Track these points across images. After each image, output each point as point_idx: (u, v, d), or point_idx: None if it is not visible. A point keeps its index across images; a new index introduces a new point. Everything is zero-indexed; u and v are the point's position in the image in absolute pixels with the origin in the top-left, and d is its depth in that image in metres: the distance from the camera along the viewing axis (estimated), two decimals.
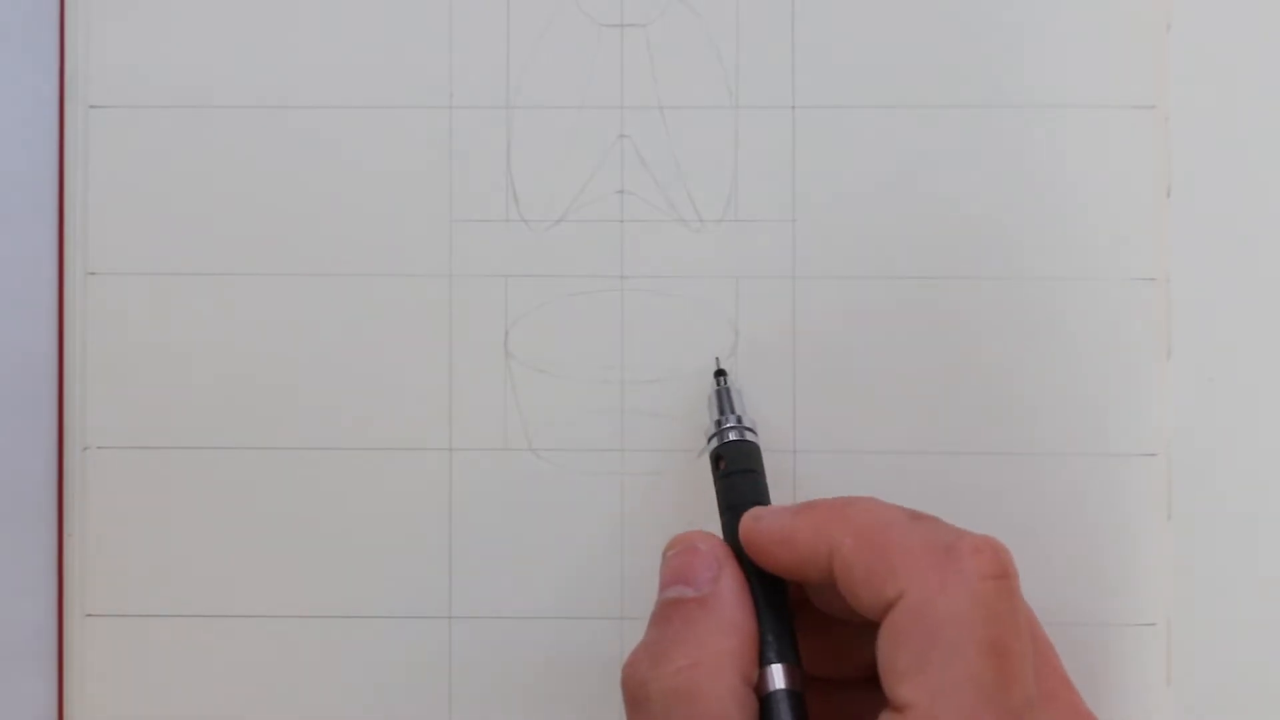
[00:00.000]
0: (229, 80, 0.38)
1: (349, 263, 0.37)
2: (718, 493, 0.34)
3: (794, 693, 0.29)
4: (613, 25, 0.38)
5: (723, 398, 0.35)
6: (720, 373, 0.36)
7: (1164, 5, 0.37)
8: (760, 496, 0.33)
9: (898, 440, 0.37)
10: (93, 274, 0.38)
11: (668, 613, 0.30)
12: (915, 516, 0.30)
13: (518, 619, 0.37)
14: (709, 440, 0.35)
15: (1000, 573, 0.28)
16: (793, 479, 0.37)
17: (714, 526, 0.36)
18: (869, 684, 0.29)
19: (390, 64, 0.38)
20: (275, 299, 0.37)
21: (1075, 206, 0.37)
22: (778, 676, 0.29)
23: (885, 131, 0.37)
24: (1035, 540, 0.37)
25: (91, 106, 0.38)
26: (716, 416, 0.35)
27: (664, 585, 0.31)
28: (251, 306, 0.37)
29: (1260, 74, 0.37)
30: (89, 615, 0.37)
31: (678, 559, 0.31)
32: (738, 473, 0.33)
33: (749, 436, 0.34)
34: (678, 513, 0.37)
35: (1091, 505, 0.37)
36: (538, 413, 0.37)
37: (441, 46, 0.38)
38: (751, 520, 0.31)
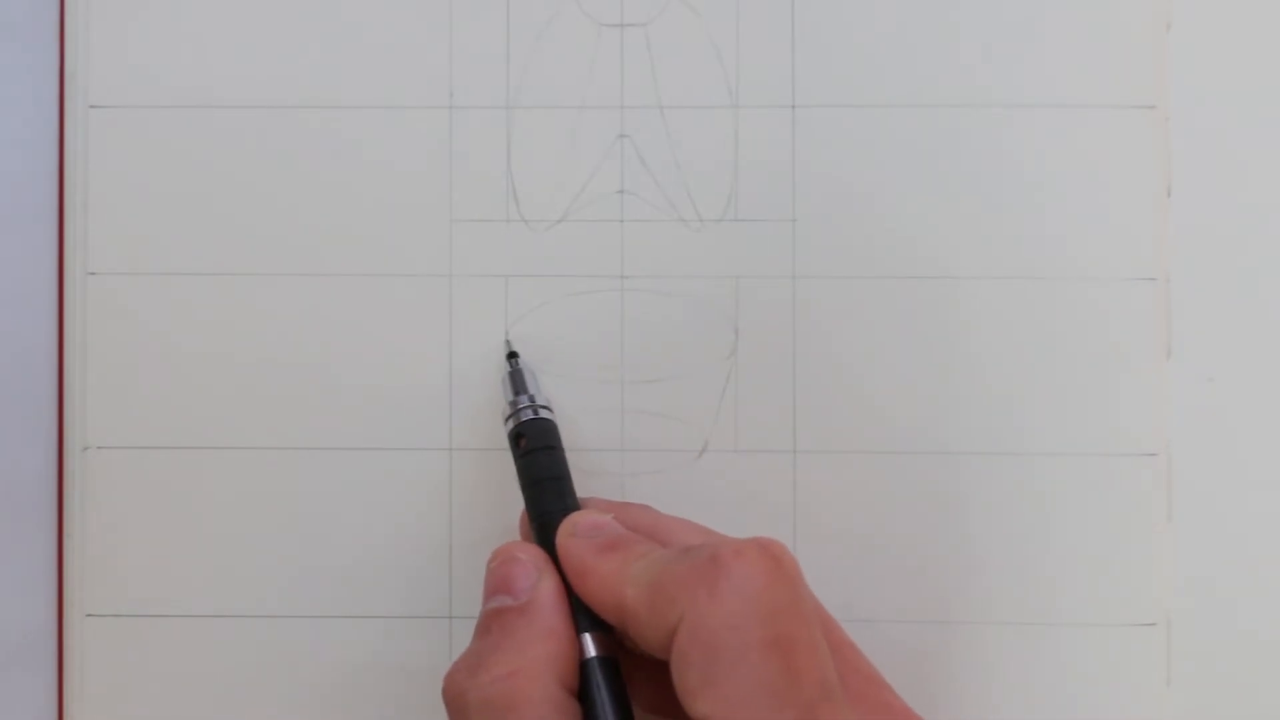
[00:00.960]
0: (230, 80, 0.38)
1: (349, 263, 0.37)
2: (519, 470, 0.34)
3: (605, 659, 0.30)
4: (613, 25, 0.38)
5: (516, 379, 0.36)
6: (512, 354, 0.36)
7: (1164, 5, 0.37)
8: (558, 470, 0.34)
9: (898, 440, 0.37)
10: (93, 274, 0.38)
11: (488, 623, 0.30)
12: (686, 549, 0.29)
13: None
14: (506, 421, 0.35)
15: (770, 567, 0.28)
16: (793, 479, 0.37)
17: (717, 526, 0.36)
18: None
19: (390, 64, 0.38)
20: (275, 299, 0.37)
21: (1075, 206, 0.37)
22: (589, 644, 0.30)
23: (885, 131, 0.37)
24: (1035, 540, 0.37)
25: (91, 106, 0.38)
26: (511, 397, 0.35)
27: (486, 596, 0.31)
28: (251, 306, 0.37)
29: (1260, 74, 0.37)
30: (89, 615, 0.37)
31: (498, 570, 0.31)
32: (538, 449, 0.34)
33: (544, 414, 0.34)
34: (677, 512, 0.37)
35: (1091, 505, 0.37)
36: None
37: (441, 46, 0.38)
38: (566, 536, 0.31)
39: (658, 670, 0.30)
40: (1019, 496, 0.37)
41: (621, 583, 0.29)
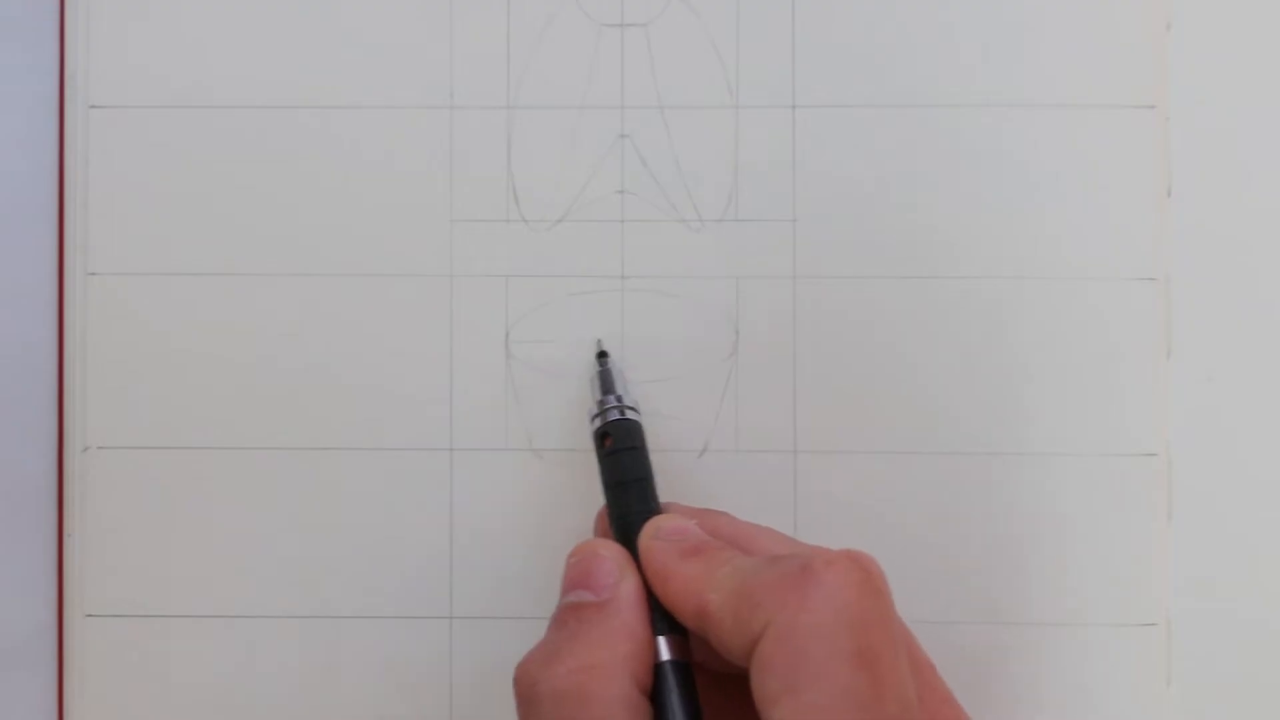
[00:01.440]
0: (230, 80, 0.38)
1: (349, 263, 0.37)
2: (602, 469, 0.34)
3: (679, 663, 0.30)
4: (613, 25, 0.38)
5: (605, 378, 0.36)
6: (602, 354, 0.36)
7: (1164, 5, 0.37)
8: (642, 472, 0.34)
9: (898, 440, 0.37)
10: (93, 274, 0.38)
11: (565, 616, 0.30)
12: (774, 558, 0.30)
13: (518, 619, 0.37)
14: (592, 419, 0.35)
15: (862, 579, 0.28)
16: (793, 479, 0.37)
17: None
18: None
19: (390, 64, 0.38)
20: (275, 299, 0.37)
21: (1075, 206, 0.37)
22: (664, 647, 0.30)
23: (885, 131, 0.37)
24: (1036, 540, 0.37)
25: (91, 106, 0.38)
26: (600, 396, 0.35)
27: (565, 590, 0.31)
28: (251, 306, 0.37)
29: (1260, 74, 0.37)
30: (89, 615, 0.37)
31: (580, 564, 0.31)
32: (623, 450, 0.34)
33: (630, 415, 0.34)
34: None
35: (1091, 505, 0.37)
36: (538, 413, 0.37)
37: (441, 46, 0.38)
38: (649, 538, 0.31)
39: (720, 682, 0.30)
40: (1019, 496, 0.37)
41: (705, 587, 0.29)
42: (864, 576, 0.28)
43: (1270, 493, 0.37)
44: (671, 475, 0.37)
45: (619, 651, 0.29)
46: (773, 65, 0.37)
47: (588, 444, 0.37)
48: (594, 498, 0.37)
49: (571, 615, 0.30)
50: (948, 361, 0.37)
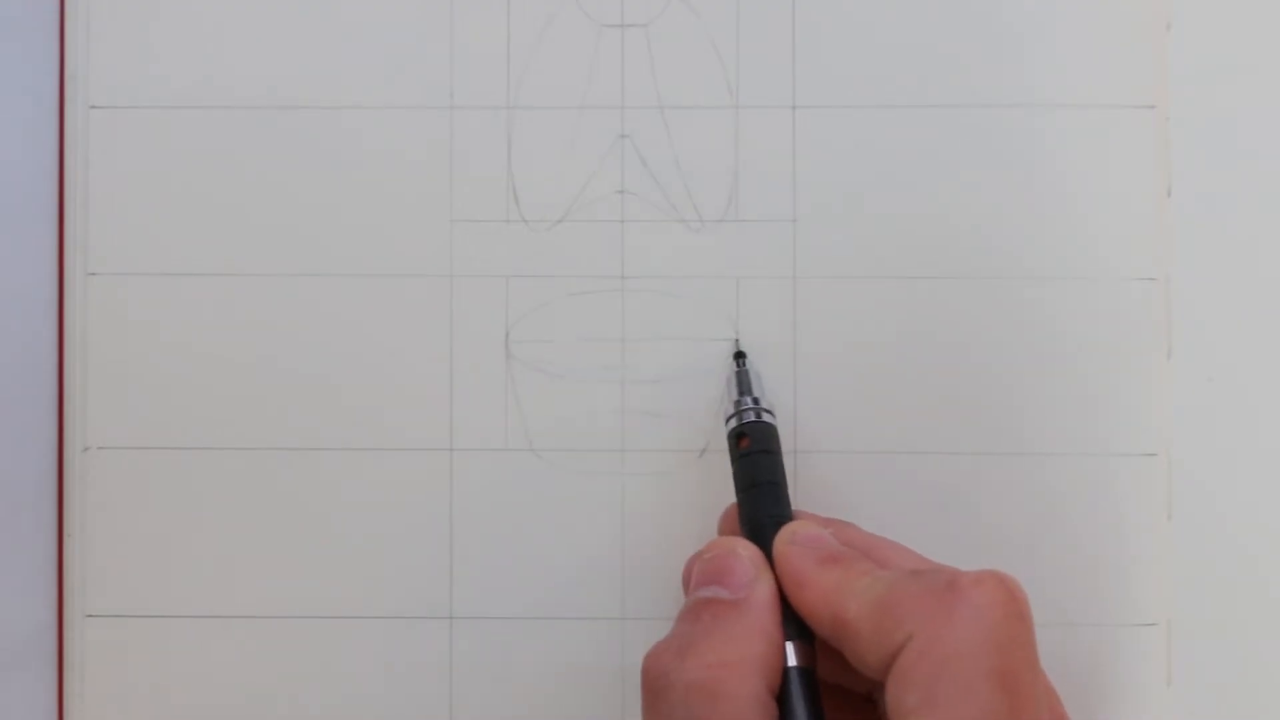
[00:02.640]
0: (230, 80, 0.38)
1: (349, 263, 0.37)
2: (735, 471, 0.34)
3: (806, 669, 0.30)
4: (613, 25, 0.38)
5: (742, 379, 0.36)
6: (740, 354, 0.36)
7: (1164, 5, 0.37)
8: (776, 475, 0.33)
9: (898, 440, 0.37)
10: (93, 274, 0.38)
11: (699, 611, 0.30)
12: (916, 571, 0.30)
13: (518, 619, 0.37)
14: (727, 420, 0.35)
15: (1007, 599, 0.28)
16: (793, 479, 0.37)
17: (711, 527, 0.36)
18: None
19: (390, 64, 0.38)
20: (275, 299, 0.37)
21: (1075, 206, 0.37)
22: (792, 653, 0.30)
23: (885, 131, 0.37)
24: (1035, 540, 0.37)
25: (91, 107, 0.38)
26: (736, 397, 0.35)
27: (698, 584, 0.31)
28: (251, 306, 0.37)
29: (1260, 74, 0.37)
30: (89, 615, 0.37)
31: (717, 560, 0.31)
32: (758, 452, 0.34)
33: (767, 418, 0.34)
34: (678, 513, 0.37)
35: (1091, 505, 0.37)
36: (538, 413, 0.37)
37: (441, 46, 0.38)
38: (785, 543, 0.31)
39: (834, 693, 0.30)
40: (1019, 496, 0.37)
41: (844, 596, 0.29)
42: (1009, 598, 0.28)
43: (1270, 493, 0.37)
44: (671, 475, 0.37)
45: (753, 651, 0.29)
46: (773, 65, 0.37)
47: (588, 444, 0.37)
48: (594, 497, 0.37)
49: (706, 610, 0.30)
50: (947, 361, 0.37)
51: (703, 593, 0.31)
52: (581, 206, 0.37)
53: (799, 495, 0.37)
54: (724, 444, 0.37)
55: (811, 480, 0.37)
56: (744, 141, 0.37)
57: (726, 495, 0.36)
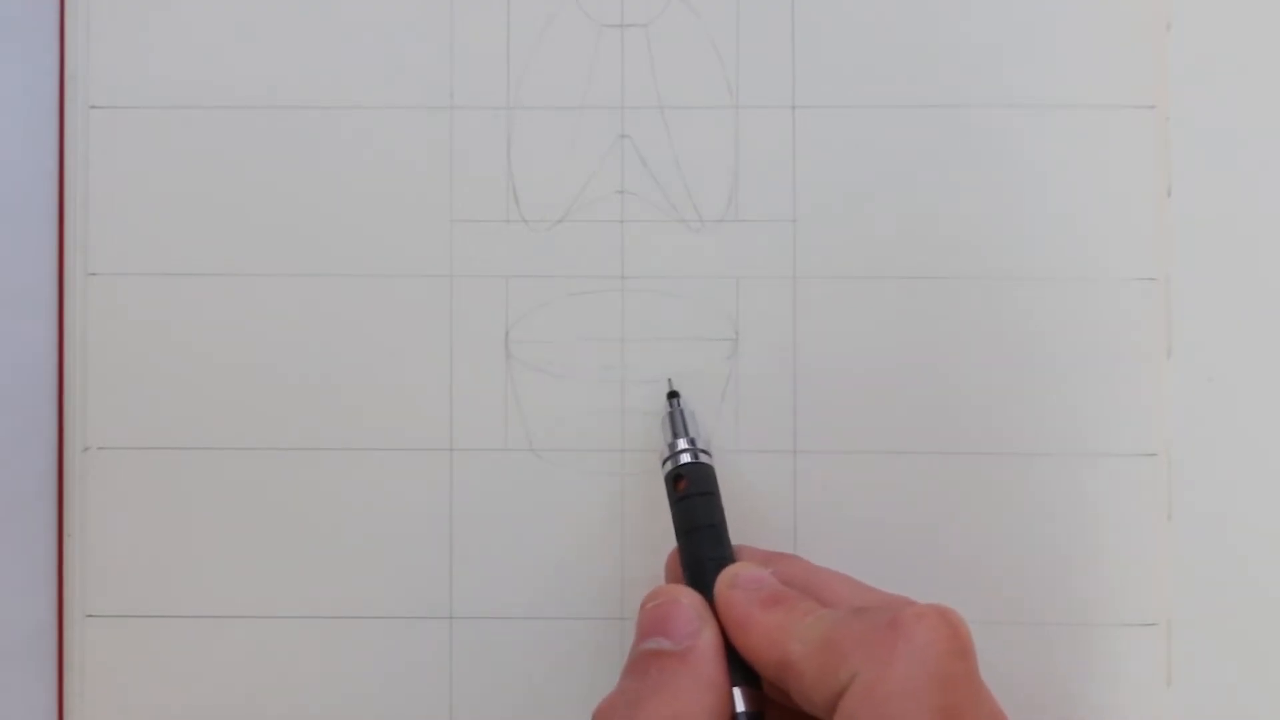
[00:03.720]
0: (230, 80, 0.38)
1: (349, 263, 0.37)
2: (674, 515, 0.34)
3: (755, 715, 0.30)
4: (613, 25, 0.38)
5: (676, 419, 0.35)
6: (673, 394, 0.36)
7: (1164, 5, 0.37)
8: (715, 517, 0.33)
9: (898, 440, 0.37)
10: (93, 274, 0.38)
11: (645, 664, 0.30)
12: (859, 609, 0.30)
13: (518, 619, 0.37)
14: (664, 462, 0.35)
15: (950, 635, 0.28)
16: (793, 479, 0.37)
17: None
18: None
19: (390, 64, 0.38)
20: (275, 299, 0.37)
21: (1075, 206, 0.37)
22: (739, 699, 0.30)
23: (885, 131, 0.37)
24: (1035, 540, 0.37)
25: (91, 107, 0.38)
26: (671, 439, 0.35)
27: (642, 635, 0.31)
28: (251, 306, 0.37)
29: (1260, 74, 0.37)
30: (89, 615, 0.37)
31: (660, 610, 0.31)
32: (696, 495, 0.33)
33: (704, 458, 0.34)
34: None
35: (1091, 505, 0.37)
36: (538, 413, 0.37)
37: (442, 46, 0.38)
38: (726, 587, 0.31)
39: None
40: (1019, 496, 0.37)
41: (787, 638, 0.29)
42: (951, 634, 0.28)
43: (1270, 493, 0.37)
44: None
45: (702, 703, 0.29)
46: (773, 65, 0.37)
47: (588, 444, 0.37)
48: (593, 497, 0.37)
49: (653, 664, 0.30)
50: (947, 361, 0.37)
51: (648, 644, 0.31)
52: (581, 206, 0.37)
53: (799, 495, 0.37)
54: (724, 443, 0.37)
55: (811, 480, 0.37)
56: (744, 141, 0.37)
57: (727, 495, 0.36)
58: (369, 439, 0.37)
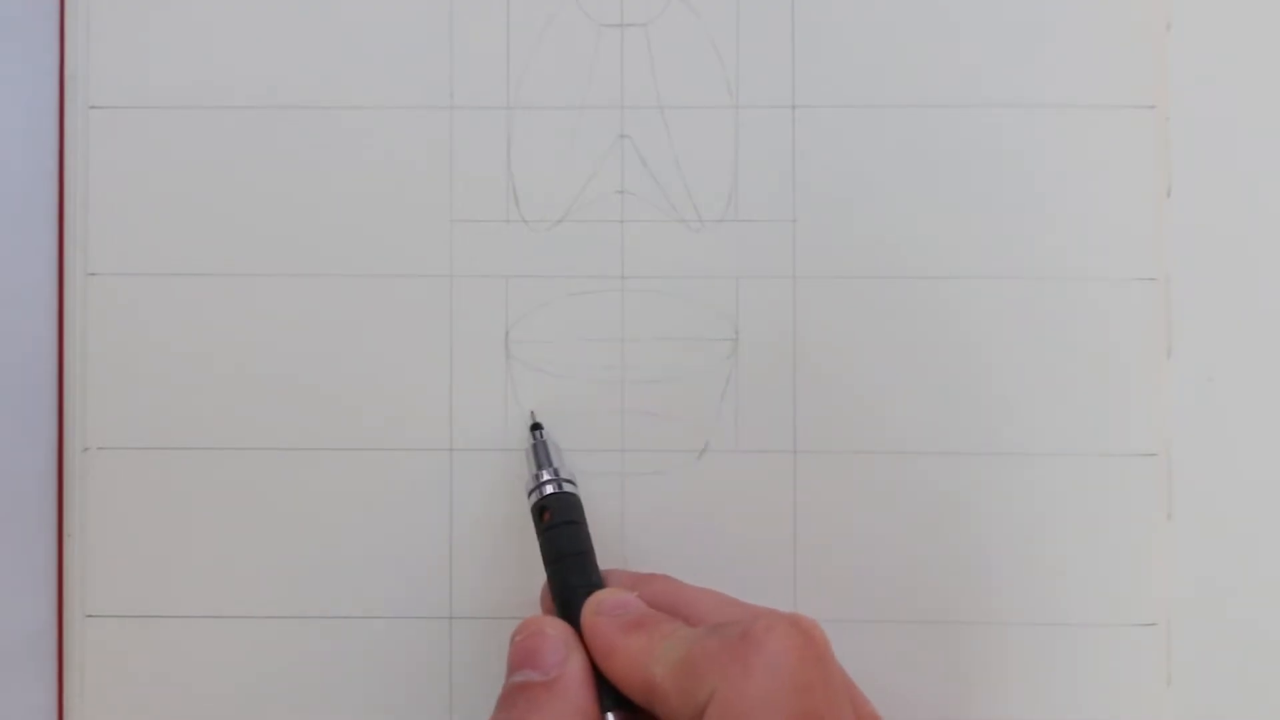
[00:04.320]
0: (230, 80, 0.38)
1: (349, 263, 0.37)
2: (541, 544, 0.34)
3: None
4: (613, 25, 0.38)
5: (539, 451, 0.36)
6: (536, 426, 0.36)
7: (1164, 5, 0.37)
8: (582, 545, 0.34)
9: (898, 440, 0.37)
10: (93, 274, 0.38)
11: (514, 696, 0.30)
12: (715, 626, 0.30)
13: (518, 619, 0.37)
14: (529, 494, 0.35)
15: (802, 644, 0.28)
16: (793, 479, 0.37)
17: (711, 527, 0.36)
18: None
19: (390, 64, 0.38)
20: (275, 299, 0.37)
21: (1075, 206, 0.37)
22: None
23: (885, 131, 0.37)
24: (1035, 540, 0.37)
25: (91, 107, 0.38)
26: (535, 470, 0.35)
27: (512, 669, 0.31)
28: (251, 307, 0.37)
29: (1260, 74, 0.37)
30: (89, 615, 0.37)
31: (526, 642, 0.31)
32: (561, 524, 0.34)
33: (568, 488, 0.35)
34: (678, 513, 0.37)
35: (1091, 505, 0.37)
36: (538, 412, 0.37)
37: (441, 46, 0.38)
38: (591, 614, 0.31)
39: None
40: (1019, 496, 0.37)
41: (649, 661, 0.30)
42: (804, 641, 0.28)
43: (1270, 493, 0.37)
44: (671, 475, 0.37)
45: None
46: (773, 65, 0.37)
47: (587, 444, 0.37)
48: (593, 497, 0.37)
49: (521, 695, 0.30)
50: (947, 361, 0.37)
51: (516, 677, 0.31)
52: (581, 206, 0.37)
53: (799, 495, 0.37)
54: (723, 443, 0.37)
55: (811, 480, 0.37)
56: (744, 141, 0.37)
57: (726, 495, 0.36)
58: (369, 439, 0.37)
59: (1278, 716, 0.37)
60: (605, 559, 0.36)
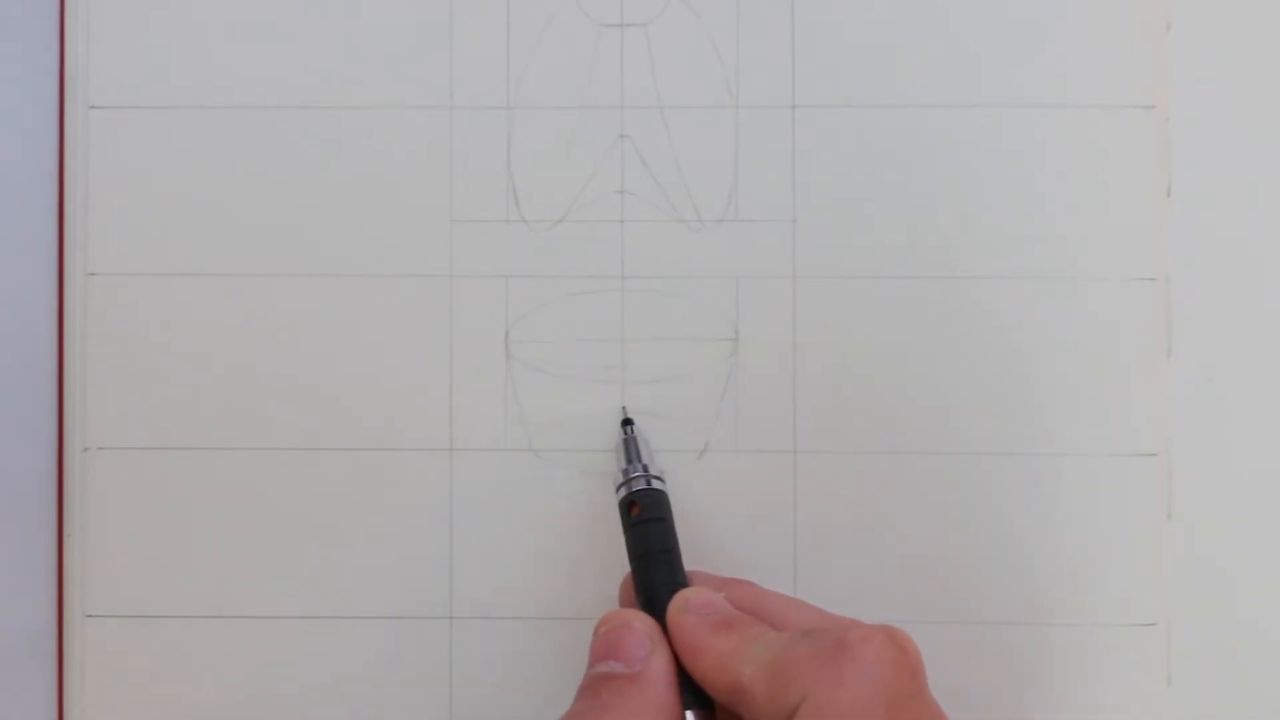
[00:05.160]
0: (230, 80, 0.38)
1: (349, 263, 0.37)
2: (627, 540, 0.34)
3: None
4: (613, 25, 0.38)
5: (630, 446, 0.36)
6: (628, 421, 0.36)
7: (1164, 5, 0.37)
8: (669, 543, 0.34)
9: (898, 440, 0.37)
10: (93, 274, 0.38)
11: (597, 686, 0.30)
12: (807, 631, 0.30)
13: (518, 619, 0.37)
14: (618, 489, 0.35)
15: (898, 655, 0.28)
16: (793, 479, 0.37)
17: (711, 528, 0.36)
18: None
19: (390, 64, 0.38)
20: (275, 299, 0.37)
21: (1075, 206, 0.37)
22: None
23: (885, 131, 0.37)
24: (1035, 540, 0.37)
25: (91, 107, 0.38)
26: (625, 465, 0.35)
27: (595, 659, 0.31)
28: (251, 307, 0.37)
29: (1260, 74, 0.37)
30: (89, 615, 0.37)
31: (612, 634, 0.31)
32: (650, 520, 0.34)
33: (656, 485, 0.35)
34: (678, 513, 0.37)
35: (1091, 505, 0.37)
36: (538, 413, 0.37)
37: (441, 46, 0.38)
38: (678, 612, 0.31)
39: None
40: (1020, 496, 0.37)
41: (738, 662, 0.30)
42: (899, 653, 0.28)
43: (1270, 493, 0.37)
44: (671, 475, 0.37)
45: None
46: (773, 65, 0.37)
47: (588, 444, 0.37)
48: (593, 497, 0.37)
49: (604, 686, 0.30)
50: (947, 361, 0.37)
51: (599, 668, 0.31)
52: (581, 206, 0.37)
53: (799, 495, 0.37)
54: (723, 443, 0.37)
55: (811, 480, 0.37)
56: (744, 141, 0.37)
57: (726, 495, 0.36)
58: (369, 439, 0.37)
59: (1278, 717, 0.37)
60: (605, 558, 0.37)
